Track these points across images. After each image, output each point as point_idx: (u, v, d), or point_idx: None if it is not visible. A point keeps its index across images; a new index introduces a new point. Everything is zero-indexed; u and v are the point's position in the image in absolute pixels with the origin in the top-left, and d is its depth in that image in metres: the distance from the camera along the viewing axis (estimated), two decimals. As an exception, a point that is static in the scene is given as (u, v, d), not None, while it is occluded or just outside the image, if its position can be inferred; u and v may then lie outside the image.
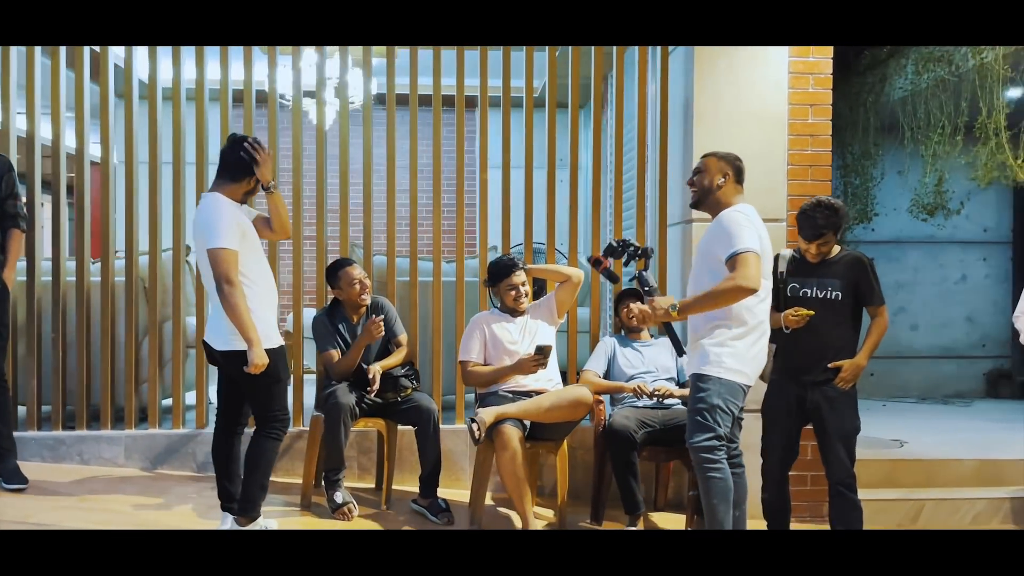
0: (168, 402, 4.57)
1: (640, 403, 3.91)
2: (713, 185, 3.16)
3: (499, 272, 3.91)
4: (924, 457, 4.61)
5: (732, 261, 2.94)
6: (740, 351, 3.04)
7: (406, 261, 4.55)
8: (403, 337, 4.05)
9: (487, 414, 3.48)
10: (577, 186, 4.56)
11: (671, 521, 4.02)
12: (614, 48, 4.63)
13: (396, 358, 3.94)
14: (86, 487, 3.99)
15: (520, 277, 3.90)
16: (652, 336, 4.17)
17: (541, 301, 4.04)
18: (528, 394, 3.75)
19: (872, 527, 4.01)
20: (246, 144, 3.14)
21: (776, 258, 3.45)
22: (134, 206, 4.39)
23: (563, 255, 4.77)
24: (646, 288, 3.20)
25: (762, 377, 3.31)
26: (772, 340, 3.26)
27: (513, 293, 3.89)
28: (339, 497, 3.72)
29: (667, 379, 4.00)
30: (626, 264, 3.37)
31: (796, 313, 3.34)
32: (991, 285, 7.15)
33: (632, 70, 4.92)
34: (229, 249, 2.98)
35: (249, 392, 3.20)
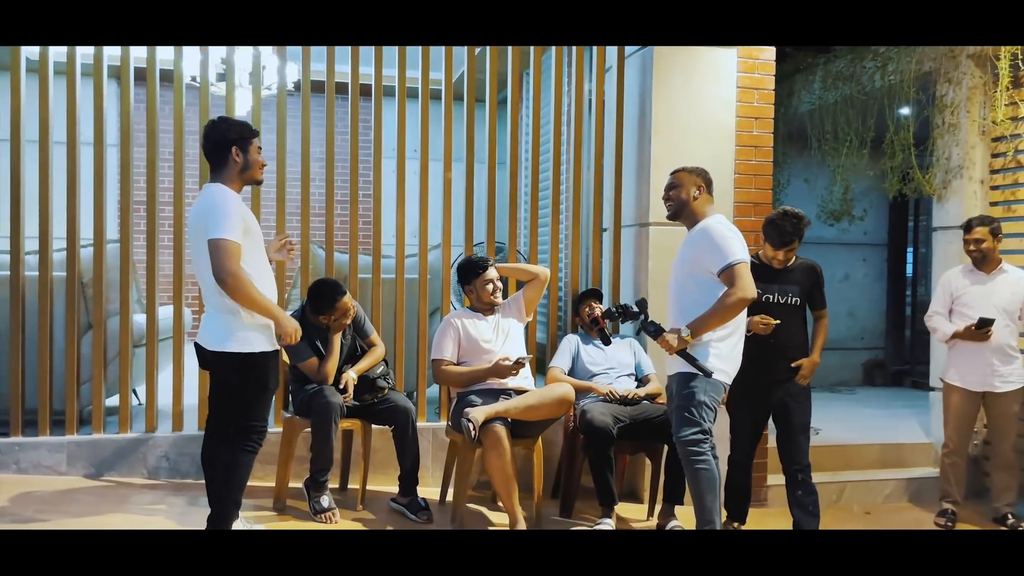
0: (112, 402, 4.33)
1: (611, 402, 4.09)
2: (689, 198, 3.36)
3: (472, 269, 3.98)
4: (839, 443, 5.07)
5: (728, 274, 3.15)
6: (723, 351, 3.25)
7: (365, 259, 4.50)
8: (375, 337, 4.03)
9: (479, 413, 3.54)
10: (495, 182, 4.61)
11: (630, 511, 4.22)
12: (531, 46, 4.72)
13: (370, 360, 3.92)
14: (32, 500, 3.73)
15: (493, 272, 3.98)
16: (616, 337, 4.35)
17: (510, 300, 4.14)
18: (508, 392, 3.84)
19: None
20: (217, 120, 3.05)
21: None
22: (76, 192, 4.10)
23: (523, 256, 4.86)
24: (653, 331, 3.31)
25: None
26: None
27: (490, 287, 3.96)
28: (325, 501, 3.68)
29: (627, 375, 4.19)
30: (623, 321, 3.46)
31: (764, 321, 3.63)
32: (869, 283, 7.88)
33: (549, 69, 5.06)
34: (232, 240, 2.85)
35: (233, 398, 3.03)
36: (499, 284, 4.01)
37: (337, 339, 3.75)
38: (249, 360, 2.95)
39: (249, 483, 4.00)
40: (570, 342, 4.30)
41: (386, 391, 3.91)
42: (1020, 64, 4.58)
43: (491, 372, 3.81)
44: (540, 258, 5.45)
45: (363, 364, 3.88)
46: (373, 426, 3.96)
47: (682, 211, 3.40)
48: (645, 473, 4.35)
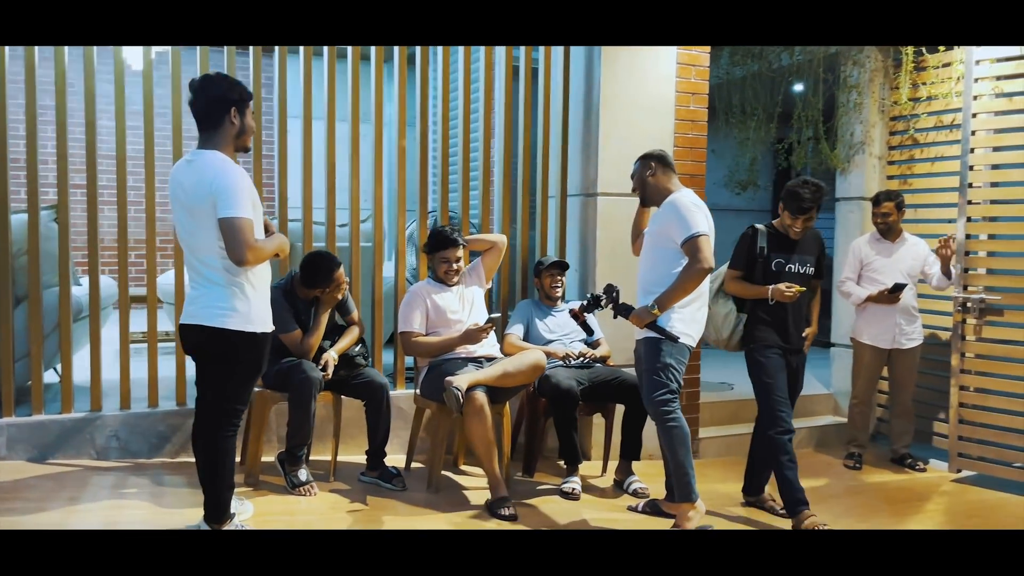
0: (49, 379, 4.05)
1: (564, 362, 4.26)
2: (645, 178, 3.58)
3: (440, 243, 4.01)
4: (751, 397, 5.48)
5: (689, 245, 3.34)
6: (686, 317, 3.47)
7: (319, 228, 4.41)
8: (356, 315, 3.99)
9: (462, 382, 3.61)
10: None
11: (583, 469, 4.43)
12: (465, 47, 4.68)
13: (350, 339, 3.89)
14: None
15: (457, 252, 4.03)
16: (565, 302, 4.50)
17: (469, 268, 4.20)
18: (479, 360, 3.92)
19: (734, 458, 4.81)
20: (214, 75, 2.85)
21: (755, 233, 3.81)
22: (5, 161, 3.76)
23: (475, 227, 4.90)
24: (625, 312, 3.51)
25: (729, 347, 3.83)
26: (758, 311, 3.74)
27: (444, 267, 4.02)
28: (303, 475, 3.65)
29: (580, 339, 4.37)
30: (601, 308, 3.63)
31: (790, 288, 3.66)
32: (755, 246, 8.46)
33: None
34: (247, 218, 2.71)
35: (221, 379, 2.85)
36: (456, 267, 4.04)
37: (325, 314, 3.70)
38: (250, 340, 2.82)
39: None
40: (524, 308, 4.42)
41: (363, 367, 3.90)
42: (923, 50, 5.05)
43: (464, 339, 3.89)
44: (490, 228, 5.49)
45: (343, 343, 3.85)
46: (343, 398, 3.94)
47: (646, 193, 3.61)
48: (593, 433, 4.57)
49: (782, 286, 3.65)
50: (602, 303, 3.59)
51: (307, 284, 3.68)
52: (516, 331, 4.30)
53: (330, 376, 3.70)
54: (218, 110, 2.78)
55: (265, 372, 3.75)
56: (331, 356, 3.73)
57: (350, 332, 3.91)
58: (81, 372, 4.06)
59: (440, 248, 4.01)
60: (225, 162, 2.77)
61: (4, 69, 3.73)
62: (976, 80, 4.55)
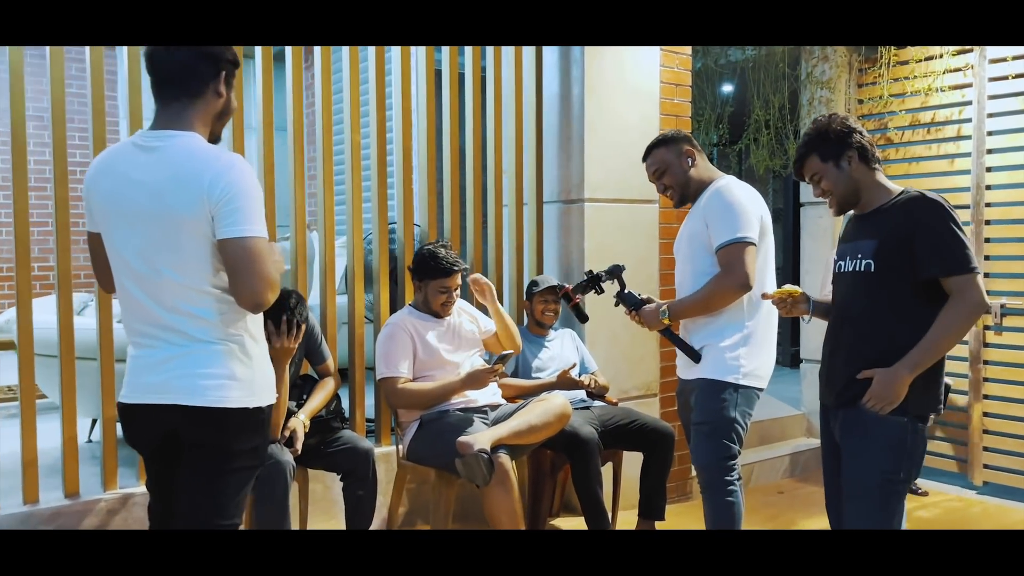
0: None
1: (580, 405, 3.52)
2: (686, 171, 2.78)
3: (439, 270, 3.11)
4: (778, 415, 5.08)
5: (727, 251, 2.57)
6: (754, 350, 2.68)
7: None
8: (330, 362, 3.02)
9: (484, 441, 2.77)
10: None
11: (574, 524, 3.68)
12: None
13: (323, 395, 2.93)
14: None
15: (458, 280, 3.17)
16: (554, 329, 3.75)
17: (464, 305, 3.36)
18: (482, 410, 3.10)
19: (757, 485, 4.28)
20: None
21: None
22: None
23: (419, 227, 4.00)
24: (633, 303, 2.77)
25: None
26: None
27: (442, 298, 3.15)
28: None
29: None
30: (598, 293, 2.89)
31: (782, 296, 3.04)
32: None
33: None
34: (266, 239, 1.78)
35: (211, 484, 1.83)
36: (454, 297, 3.20)
37: (284, 378, 2.66)
38: (254, 420, 1.85)
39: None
40: (508, 340, 3.64)
41: (340, 430, 2.96)
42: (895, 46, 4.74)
43: (468, 383, 3.04)
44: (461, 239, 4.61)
45: (315, 403, 2.88)
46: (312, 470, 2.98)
47: (687, 191, 2.80)
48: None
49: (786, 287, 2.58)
50: (602, 281, 2.83)
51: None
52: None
53: (299, 449, 2.74)
54: (202, 72, 1.81)
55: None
56: (299, 423, 2.76)
57: (323, 387, 2.96)
58: None
59: (438, 275, 3.11)
60: (221, 151, 1.80)
61: None
62: (990, 80, 4.32)
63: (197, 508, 1.83)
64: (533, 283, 3.70)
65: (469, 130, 3.87)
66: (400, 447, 3.15)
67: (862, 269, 2.23)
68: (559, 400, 3.08)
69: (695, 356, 2.70)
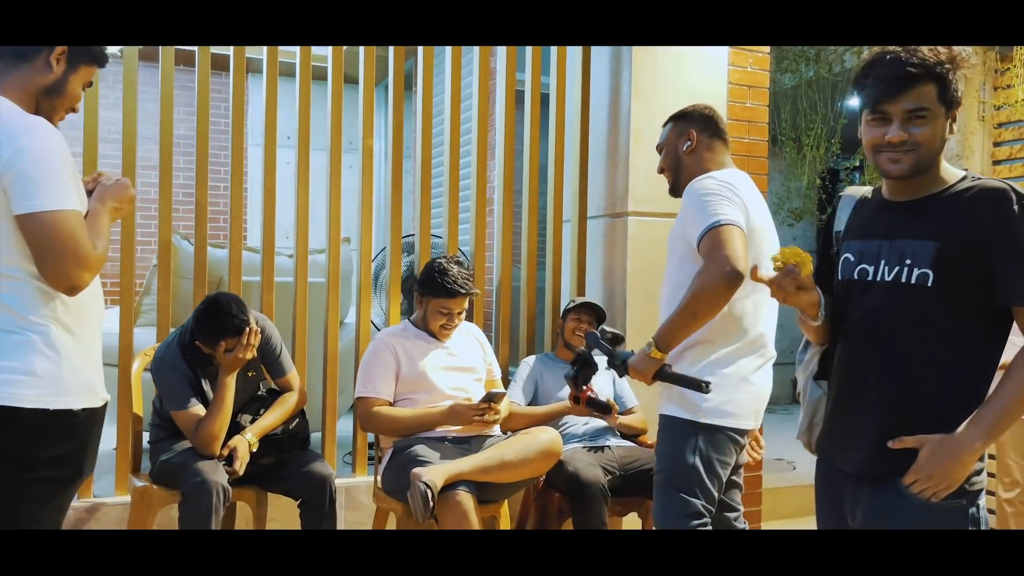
0: None
1: (580, 441, 3.08)
2: (680, 154, 2.33)
3: (442, 289, 2.79)
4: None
5: (706, 240, 2.03)
6: (729, 381, 2.15)
7: (252, 257, 3.30)
8: (292, 376, 2.79)
9: (436, 475, 2.43)
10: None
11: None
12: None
13: (281, 412, 2.69)
14: None
15: (464, 304, 2.85)
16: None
17: (472, 329, 3.06)
18: (465, 441, 2.75)
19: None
20: None
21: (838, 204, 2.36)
22: None
23: (464, 254, 3.76)
24: (622, 365, 2.18)
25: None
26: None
27: (442, 320, 2.84)
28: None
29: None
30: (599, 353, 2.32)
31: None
32: (799, 292, 7.30)
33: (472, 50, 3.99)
34: (74, 211, 1.60)
35: (10, 488, 1.62)
36: (457, 321, 2.88)
37: (229, 385, 2.49)
38: (57, 424, 1.63)
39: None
40: (529, 367, 3.26)
41: (293, 453, 2.72)
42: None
43: (449, 417, 2.71)
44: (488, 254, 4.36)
45: (268, 420, 2.64)
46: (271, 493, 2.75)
47: (678, 177, 2.34)
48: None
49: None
50: (601, 342, 2.25)
51: (203, 338, 2.50)
52: (517, 396, 3.14)
53: (240, 473, 2.51)
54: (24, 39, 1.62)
55: (151, 455, 2.61)
56: (243, 443, 2.53)
57: (282, 402, 2.72)
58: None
59: (441, 294, 2.80)
60: (21, 115, 1.61)
61: None
62: None
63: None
64: (571, 301, 3.32)
65: (527, 146, 3.61)
66: (377, 477, 2.86)
67: (914, 281, 1.58)
68: (545, 435, 2.68)
69: (703, 387, 2.11)
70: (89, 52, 1.73)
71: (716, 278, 1.98)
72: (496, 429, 2.90)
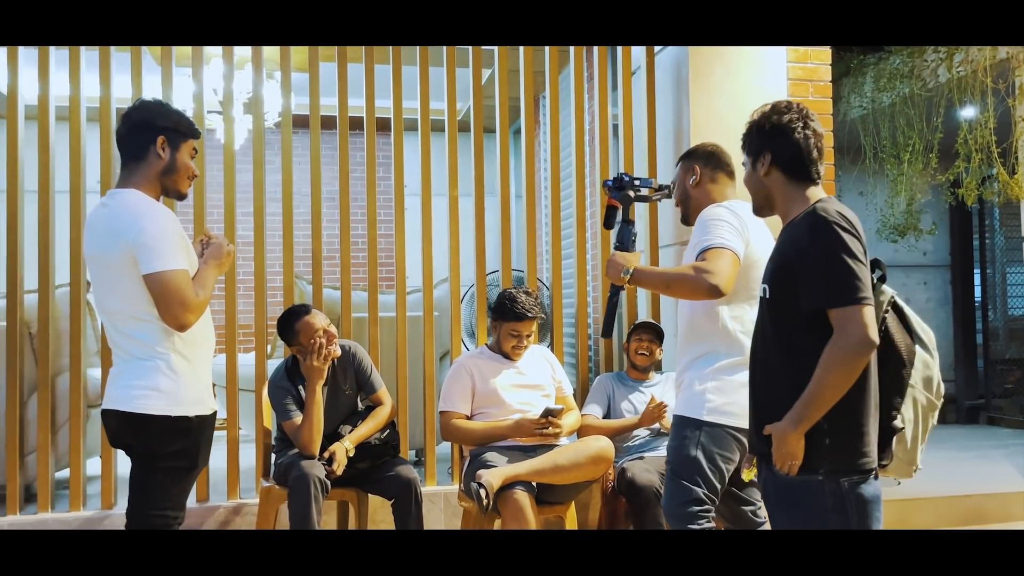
0: (64, 474, 3.68)
1: (649, 450, 3.38)
2: (687, 187, 2.63)
3: (511, 312, 3.23)
4: (935, 495, 4.26)
5: (702, 256, 2.34)
6: (727, 384, 2.42)
7: (361, 296, 3.86)
8: (383, 393, 3.32)
9: (494, 476, 2.84)
10: (509, 214, 3.94)
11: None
12: (547, 69, 4.08)
13: (373, 423, 3.21)
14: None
15: (532, 327, 3.29)
16: (659, 373, 3.64)
17: (544, 352, 3.46)
18: (533, 449, 3.14)
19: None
20: (148, 100, 2.33)
21: None
22: (18, 235, 3.50)
23: (545, 285, 4.19)
24: (620, 241, 2.60)
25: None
26: None
27: (513, 342, 3.27)
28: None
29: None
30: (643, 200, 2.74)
31: None
32: (933, 309, 7.09)
33: (568, 90, 4.43)
34: (180, 270, 2.17)
35: (144, 475, 2.22)
36: (527, 343, 3.30)
37: (317, 392, 3.04)
38: (176, 427, 2.20)
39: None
40: (604, 383, 3.60)
41: (385, 459, 3.23)
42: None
43: (514, 430, 3.13)
44: (565, 291, 4.77)
45: (363, 430, 3.16)
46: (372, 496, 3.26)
47: (687, 209, 2.64)
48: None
49: None
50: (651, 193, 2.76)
51: (285, 340, 3.15)
52: (592, 411, 3.49)
53: (339, 473, 3.04)
54: (141, 137, 2.24)
55: (275, 462, 3.19)
56: (341, 448, 3.06)
57: (375, 415, 3.24)
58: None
59: (511, 319, 3.24)
60: (144, 202, 2.22)
61: (17, 138, 3.52)
62: None
63: (133, 498, 2.23)
64: (635, 324, 3.65)
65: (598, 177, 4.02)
66: (459, 482, 3.30)
67: (765, 296, 1.93)
68: (597, 443, 3.02)
69: (606, 331, 2.63)
70: (180, 133, 2.29)
71: (699, 282, 2.28)
72: (565, 440, 3.26)
